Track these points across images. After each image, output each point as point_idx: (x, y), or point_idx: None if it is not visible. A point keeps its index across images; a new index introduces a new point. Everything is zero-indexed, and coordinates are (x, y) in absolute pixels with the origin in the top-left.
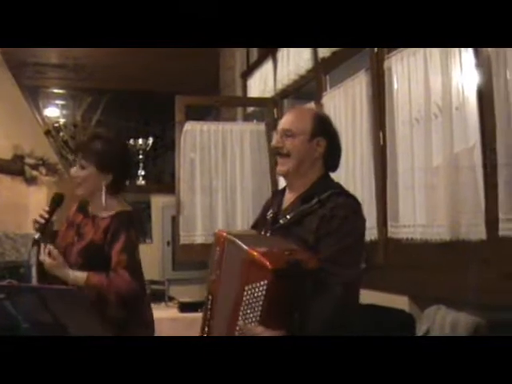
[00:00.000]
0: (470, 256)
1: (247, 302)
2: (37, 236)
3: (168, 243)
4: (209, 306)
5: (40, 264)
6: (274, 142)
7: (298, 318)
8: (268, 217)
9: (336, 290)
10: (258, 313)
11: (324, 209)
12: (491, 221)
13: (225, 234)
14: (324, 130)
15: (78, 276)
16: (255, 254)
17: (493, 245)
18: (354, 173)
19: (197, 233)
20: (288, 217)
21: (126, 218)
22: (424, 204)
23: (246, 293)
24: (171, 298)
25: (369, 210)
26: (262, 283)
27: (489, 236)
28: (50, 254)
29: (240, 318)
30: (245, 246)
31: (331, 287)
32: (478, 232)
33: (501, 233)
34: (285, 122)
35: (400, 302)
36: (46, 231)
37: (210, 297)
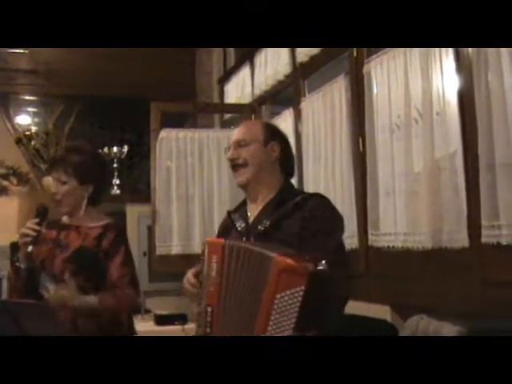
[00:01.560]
0: (453, 264)
1: (279, 310)
2: (29, 249)
3: (144, 254)
4: (208, 319)
5: (30, 270)
6: (229, 155)
7: (325, 320)
8: (240, 228)
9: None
10: (293, 319)
11: (302, 211)
12: (474, 228)
13: (225, 242)
14: (276, 135)
15: (90, 300)
16: (288, 260)
17: (475, 252)
18: (333, 180)
19: (173, 243)
20: (267, 222)
21: (120, 230)
22: (405, 211)
23: (277, 301)
24: (147, 311)
25: (349, 217)
26: (298, 289)
27: (471, 243)
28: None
29: (270, 328)
30: (271, 253)
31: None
32: (461, 239)
33: (483, 240)
34: (236, 134)
35: (381, 311)
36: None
37: (210, 309)
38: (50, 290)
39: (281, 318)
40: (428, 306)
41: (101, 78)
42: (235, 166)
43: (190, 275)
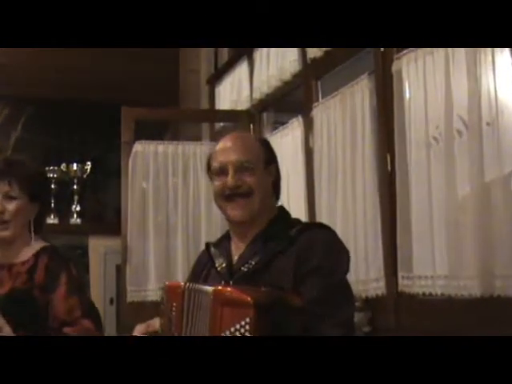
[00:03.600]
0: (509, 317)
1: None
2: None
3: (111, 301)
4: None
5: None
6: (230, 183)
7: None
8: (219, 268)
9: (332, 332)
10: None
11: (297, 245)
12: None
13: (183, 284)
14: (273, 153)
15: None
16: (229, 290)
17: None
18: (354, 207)
19: (149, 287)
20: (252, 262)
21: (52, 252)
22: (446, 248)
23: None
24: None
25: (374, 255)
26: (242, 323)
27: None
28: None
29: None
30: (210, 288)
31: (325, 331)
32: None
33: None
34: (233, 152)
35: None
36: None
37: None
38: None
39: None
40: None
41: (57, 75)
42: (235, 195)
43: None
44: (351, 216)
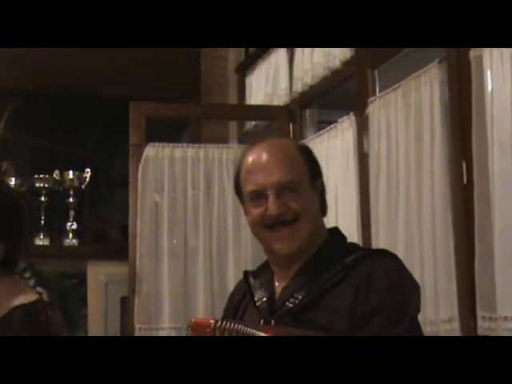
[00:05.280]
0: None
1: None
2: None
3: None
4: None
5: None
6: (272, 211)
7: None
8: (258, 303)
9: None
10: None
11: (355, 277)
12: None
13: (213, 322)
14: (318, 165)
15: None
16: None
17: None
18: (419, 228)
19: (163, 324)
20: (299, 296)
21: (31, 310)
22: None
23: None
24: None
25: (445, 291)
26: None
27: None
28: None
29: None
30: (260, 332)
31: None
32: None
33: None
34: (274, 170)
35: None
36: None
37: None
38: None
39: None
40: None
41: (52, 64)
42: (277, 224)
43: None
44: (416, 239)
